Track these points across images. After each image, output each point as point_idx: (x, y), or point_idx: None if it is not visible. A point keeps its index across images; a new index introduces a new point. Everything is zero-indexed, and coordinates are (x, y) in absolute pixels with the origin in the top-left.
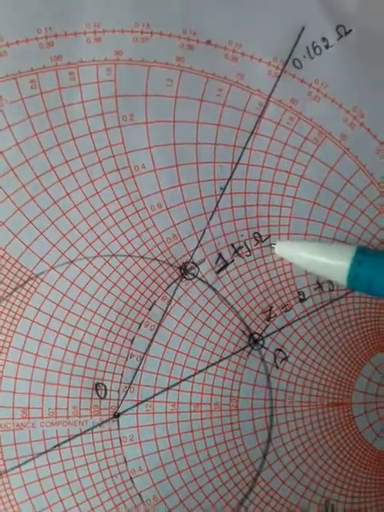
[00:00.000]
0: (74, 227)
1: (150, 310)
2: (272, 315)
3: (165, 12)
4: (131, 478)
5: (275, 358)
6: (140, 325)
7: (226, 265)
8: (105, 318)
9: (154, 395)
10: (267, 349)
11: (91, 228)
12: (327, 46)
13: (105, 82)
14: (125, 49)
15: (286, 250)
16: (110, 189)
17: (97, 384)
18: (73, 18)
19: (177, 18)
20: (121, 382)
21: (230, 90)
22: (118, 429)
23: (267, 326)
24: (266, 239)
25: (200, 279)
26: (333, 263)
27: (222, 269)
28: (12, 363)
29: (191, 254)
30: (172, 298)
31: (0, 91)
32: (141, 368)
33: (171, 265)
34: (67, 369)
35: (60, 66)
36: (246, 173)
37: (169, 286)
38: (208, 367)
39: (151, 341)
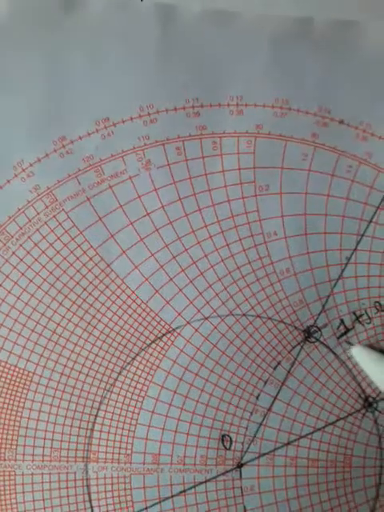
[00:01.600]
0: (210, 286)
1: (274, 369)
2: None
3: (303, 90)
4: None
5: None
6: (265, 382)
7: (347, 331)
8: (234, 374)
9: (275, 449)
10: (380, 411)
11: (225, 288)
12: None
13: (245, 153)
14: (265, 123)
15: (361, 356)
16: (243, 253)
17: (223, 435)
18: (218, 90)
19: (314, 96)
20: (245, 435)
21: (359, 168)
22: (240, 478)
23: (381, 389)
24: None
25: (322, 343)
26: None
27: (343, 334)
28: (147, 412)
29: (315, 318)
30: (296, 359)
31: (149, 156)
32: (264, 423)
33: (296, 327)
34: (197, 420)
35: (204, 136)
36: (370, 245)
37: (293, 347)
38: (326, 426)
39: (275, 398)
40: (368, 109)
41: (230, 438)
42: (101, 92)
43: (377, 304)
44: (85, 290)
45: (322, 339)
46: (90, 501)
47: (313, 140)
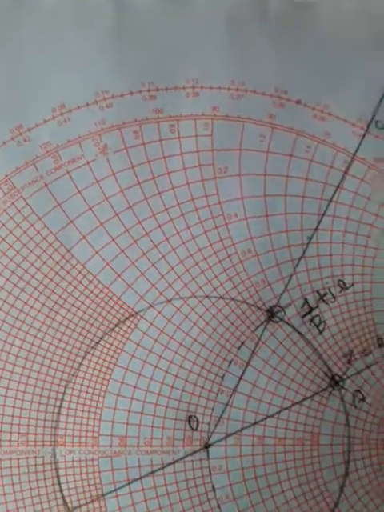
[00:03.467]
0: (172, 269)
1: (239, 349)
2: (352, 358)
3: (259, 71)
4: (219, 505)
5: (354, 399)
6: (230, 363)
7: (311, 310)
8: (198, 355)
9: (242, 429)
10: (347, 390)
11: (187, 270)
12: None
13: (202, 135)
14: (221, 105)
15: None
16: (204, 235)
17: (189, 416)
18: (174, 73)
19: (270, 78)
20: (211, 416)
21: (317, 147)
22: (208, 459)
23: (347, 368)
24: (349, 287)
25: (286, 322)
26: None
27: (307, 313)
28: (112, 394)
29: (278, 298)
30: (260, 339)
31: (105, 140)
32: (230, 403)
33: (259, 308)
34: (163, 401)
35: (161, 119)
36: (331, 224)
37: (257, 327)
38: (292, 405)
39: (240, 378)
40: (325, 89)
41: (197, 419)
42: (56, 80)
43: (340, 282)
44: (46, 276)
45: (285, 319)
46: (59, 484)
47: (270, 121)
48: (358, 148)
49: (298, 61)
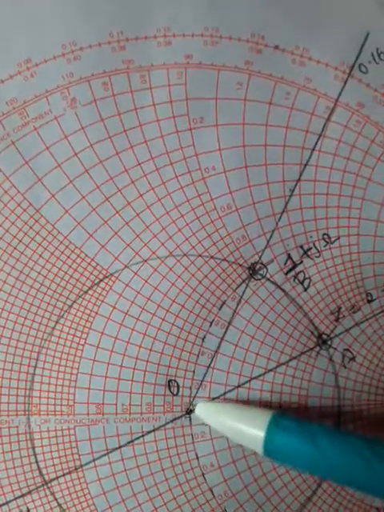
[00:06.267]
0: (147, 227)
1: (220, 309)
2: (340, 316)
3: (234, 16)
4: (203, 473)
5: (343, 358)
6: (211, 323)
7: (295, 266)
8: (177, 316)
9: (225, 393)
10: (335, 349)
11: (163, 228)
12: None
13: (175, 85)
14: (195, 53)
15: (206, 411)
16: (181, 190)
17: (169, 381)
18: (143, 22)
19: (245, 23)
20: (193, 379)
21: (297, 94)
22: (190, 425)
23: (335, 326)
24: (335, 240)
25: (269, 280)
26: (247, 431)
27: (290, 270)
28: (87, 360)
29: (260, 254)
30: (241, 297)
31: (74, 93)
32: (212, 366)
33: (240, 265)
34: (141, 365)
35: (131, 69)
36: (314, 174)
37: (238, 286)
38: (277, 366)
39: (222, 339)
40: (304, 33)
41: (177, 384)
42: (21, 33)
43: (325, 236)
44: (15, 237)
45: (267, 276)
46: (35, 455)
47: (247, 68)
48: (340, 93)
49: (275, 3)
